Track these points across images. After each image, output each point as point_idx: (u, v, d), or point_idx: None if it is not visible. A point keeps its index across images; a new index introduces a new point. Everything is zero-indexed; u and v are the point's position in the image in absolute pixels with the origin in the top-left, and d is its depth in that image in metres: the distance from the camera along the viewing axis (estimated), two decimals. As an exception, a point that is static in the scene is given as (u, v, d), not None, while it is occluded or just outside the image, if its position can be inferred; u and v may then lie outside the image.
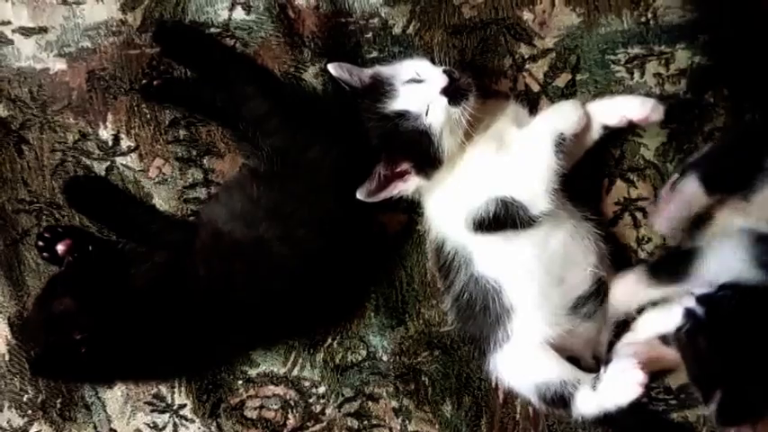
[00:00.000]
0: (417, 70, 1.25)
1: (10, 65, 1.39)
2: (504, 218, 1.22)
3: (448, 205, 1.29)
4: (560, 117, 1.25)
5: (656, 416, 1.41)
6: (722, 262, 1.21)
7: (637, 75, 1.37)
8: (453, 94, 1.21)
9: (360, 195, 1.22)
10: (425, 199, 1.34)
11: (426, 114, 1.21)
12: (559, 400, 1.25)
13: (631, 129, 1.35)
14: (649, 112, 1.26)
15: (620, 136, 1.37)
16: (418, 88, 1.23)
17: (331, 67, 1.29)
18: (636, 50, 1.37)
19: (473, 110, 1.23)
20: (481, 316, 1.28)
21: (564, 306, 1.28)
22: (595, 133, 1.30)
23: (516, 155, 1.24)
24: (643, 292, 1.32)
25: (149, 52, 1.37)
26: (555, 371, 1.26)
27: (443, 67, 1.23)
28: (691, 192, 1.28)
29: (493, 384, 1.41)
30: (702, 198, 1.27)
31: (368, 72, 1.30)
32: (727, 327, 1.15)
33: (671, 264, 1.31)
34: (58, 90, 1.39)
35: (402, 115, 1.22)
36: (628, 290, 1.33)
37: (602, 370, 1.24)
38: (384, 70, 1.29)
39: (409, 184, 1.26)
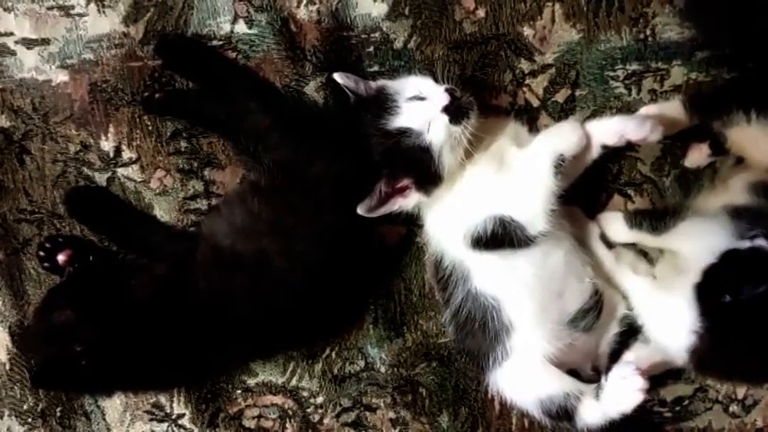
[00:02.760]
0: (420, 88, 1.26)
1: (12, 76, 1.39)
2: (502, 236, 1.24)
3: (447, 221, 1.30)
4: (560, 138, 1.26)
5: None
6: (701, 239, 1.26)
7: (634, 91, 1.39)
8: (454, 112, 1.22)
9: (360, 211, 1.23)
10: (425, 214, 1.35)
11: (428, 132, 1.23)
12: (564, 413, 1.26)
13: (628, 145, 1.35)
14: (648, 133, 1.27)
15: (617, 151, 1.38)
16: (420, 106, 1.24)
17: (337, 76, 1.30)
18: (634, 67, 1.39)
19: (474, 128, 1.24)
20: (480, 332, 1.29)
21: (563, 321, 1.29)
22: (594, 152, 1.31)
23: (516, 175, 1.26)
24: (624, 232, 1.37)
25: (151, 65, 1.38)
26: (557, 385, 1.27)
27: (446, 86, 1.24)
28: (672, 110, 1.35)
29: (489, 396, 1.44)
30: (682, 117, 1.34)
31: (373, 85, 1.31)
32: None
33: (653, 216, 1.36)
34: (60, 101, 1.39)
35: (404, 132, 1.24)
36: (613, 225, 1.38)
37: (602, 379, 1.26)
38: (389, 85, 1.30)
39: (409, 200, 1.28)
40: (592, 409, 1.25)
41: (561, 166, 1.23)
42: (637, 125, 1.28)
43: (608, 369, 1.30)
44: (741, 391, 1.44)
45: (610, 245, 1.39)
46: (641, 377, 1.21)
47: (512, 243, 1.24)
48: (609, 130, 1.29)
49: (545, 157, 1.24)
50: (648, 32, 1.37)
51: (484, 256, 1.27)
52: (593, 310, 1.31)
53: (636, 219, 1.36)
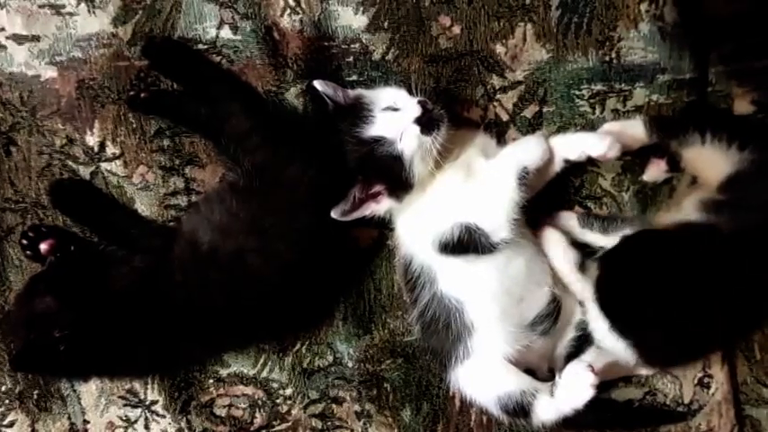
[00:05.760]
0: (394, 99, 1.31)
1: (2, 69, 1.42)
2: (467, 243, 1.30)
3: (416, 226, 1.36)
4: (525, 152, 1.32)
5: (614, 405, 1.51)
6: None
7: (598, 110, 1.45)
8: (426, 123, 1.27)
9: (334, 215, 1.28)
10: (396, 218, 1.40)
11: (400, 141, 1.28)
12: (520, 410, 1.32)
13: (590, 161, 1.42)
14: (607, 150, 1.34)
15: (580, 166, 1.45)
16: (394, 116, 1.29)
17: (317, 83, 1.34)
18: (599, 87, 1.45)
19: (444, 139, 1.29)
20: (444, 332, 1.35)
21: (521, 324, 1.35)
22: (557, 166, 1.38)
23: (482, 185, 1.32)
24: (577, 230, 1.43)
25: (138, 65, 1.41)
26: (514, 382, 1.33)
27: (418, 98, 1.29)
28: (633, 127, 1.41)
29: (450, 393, 1.49)
30: (642, 135, 1.40)
31: (351, 93, 1.36)
32: None
33: (605, 219, 1.43)
34: (47, 96, 1.42)
35: (378, 140, 1.29)
36: (568, 222, 1.44)
37: (557, 377, 1.33)
38: (366, 94, 1.34)
39: (381, 206, 1.33)
40: (546, 406, 1.31)
41: (525, 178, 1.30)
42: (597, 142, 1.35)
43: (562, 368, 1.37)
44: (688, 396, 1.51)
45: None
46: (593, 373, 1.28)
47: (476, 249, 1.30)
48: (571, 146, 1.36)
49: (510, 169, 1.30)
50: (614, 55, 1.43)
51: (450, 260, 1.32)
52: (551, 315, 1.38)
53: (588, 219, 1.43)
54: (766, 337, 1.50)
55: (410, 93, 1.32)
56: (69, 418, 1.51)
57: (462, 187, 1.33)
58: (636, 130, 1.41)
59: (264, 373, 1.51)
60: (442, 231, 1.31)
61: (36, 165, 1.45)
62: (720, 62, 1.46)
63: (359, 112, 1.31)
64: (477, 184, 1.32)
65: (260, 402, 1.51)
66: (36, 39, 1.41)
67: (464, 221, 1.30)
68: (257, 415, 1.52)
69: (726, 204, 1.32)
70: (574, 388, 1.29)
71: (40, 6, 1.40)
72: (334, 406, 1.51)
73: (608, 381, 1.45)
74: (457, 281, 1.34)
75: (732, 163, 1.33)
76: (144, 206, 1.46)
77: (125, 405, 1.51)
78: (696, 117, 1.44)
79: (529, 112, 1.46)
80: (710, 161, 1.36)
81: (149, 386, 1.50)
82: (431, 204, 1.34)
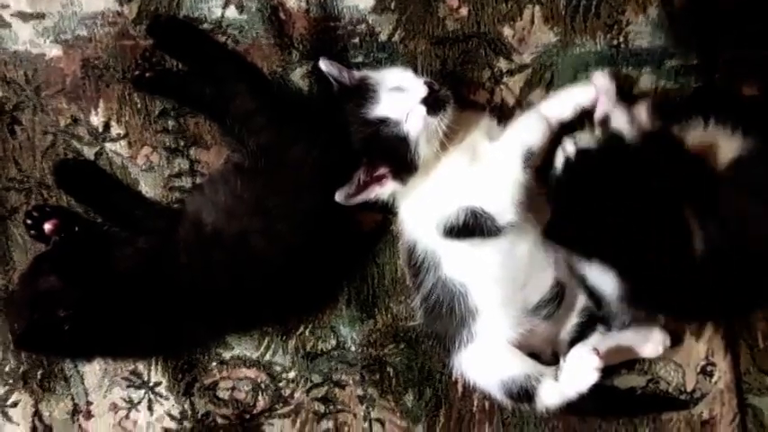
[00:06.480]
0: (400, 79, 1.30)
1: (7, 47, 1.41)
2: (472, 226, 1.29)
3: (421, 210, 1.35)
4: (528, 132, 1.32)
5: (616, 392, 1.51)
6: None
7: (605, 95, 1.44)
8: (432, 104, 1.27)
9: (338, 198, 1.27)
10: (400, 202, 1.40)
11: (406, 122, 1.27)
12: (524, 394, 1.32)
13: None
14: (596, 93, 1.34)
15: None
16: (400, 96, 1.28)
17: (322, 63, 1.34)
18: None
19: (450, 121, 1.29)
20: (447, 316, 1.35)
21: (525, 309, 1.35)
22: (554, 130, 1.36)
23: (487, 168, 1.31)
24: None
25: (143, 44, 1.41)
26: (518, 366, 1.33)
27: (425, 79, 1.29)
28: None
29: (453, 378, 1.49)
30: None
31: (356, 74, 1.35)
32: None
33: None
34: (52, 75, 1.42)
35: (383, 121, 1.28)
36: None
37: (561, 361, 1.33)
38: (371, 75, 1.34)
39: (386, 189, 1.32)
40: (551, 390, 1.31)
41: (530, 159, 1.30)
42: (584, 89, 1.36)
43: (567, 353, 1.36)
44: (690, 384, 1.51)
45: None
46: (597, 356, 1.27)
47: (482, 233, 1.30)
48: (562, 105, 1.36)
49: (515, 151, 1.30)
50: (621, 39, 1.42)
51: (455, 244, 1.32)
52: (554, 300, 1.37)
53: None
54: (769, 326, 1.50)
55: (416, 74, 1.31)
56: (72, 398, 1.51)
57: (467, 170, 1.32)
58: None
59: (268, 357, 1.51)
60: (448, 215, 1.30)
61: (40, 144, 1.44)
62: (726, 49, 1.44)
63: (364, 92, 1.30)
64: (483, 168, 1.32)
65: (263, 385, 1.52)
66: (41, 16, 1.41)
67: (469, 205, 1.29)
68: (260, 398, 1.52)
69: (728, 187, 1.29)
70: (578, 371, 1.29)
71: (45, -16, 1.40)
72: (336, 390, 1.52)
73: (611, 367, 1.43)
74: (461, 265, 1.33)
75: (735, 148, 1.30)
76: (148, 187, 1.46)
77: (128, 386, 1.52)
78: (701, 101, 1.42)
79: (536, 96, 1.44)
80: (713, 145, 1.33)
81: (153, 368, 1.51)
82: (435, 188, 1.33)
